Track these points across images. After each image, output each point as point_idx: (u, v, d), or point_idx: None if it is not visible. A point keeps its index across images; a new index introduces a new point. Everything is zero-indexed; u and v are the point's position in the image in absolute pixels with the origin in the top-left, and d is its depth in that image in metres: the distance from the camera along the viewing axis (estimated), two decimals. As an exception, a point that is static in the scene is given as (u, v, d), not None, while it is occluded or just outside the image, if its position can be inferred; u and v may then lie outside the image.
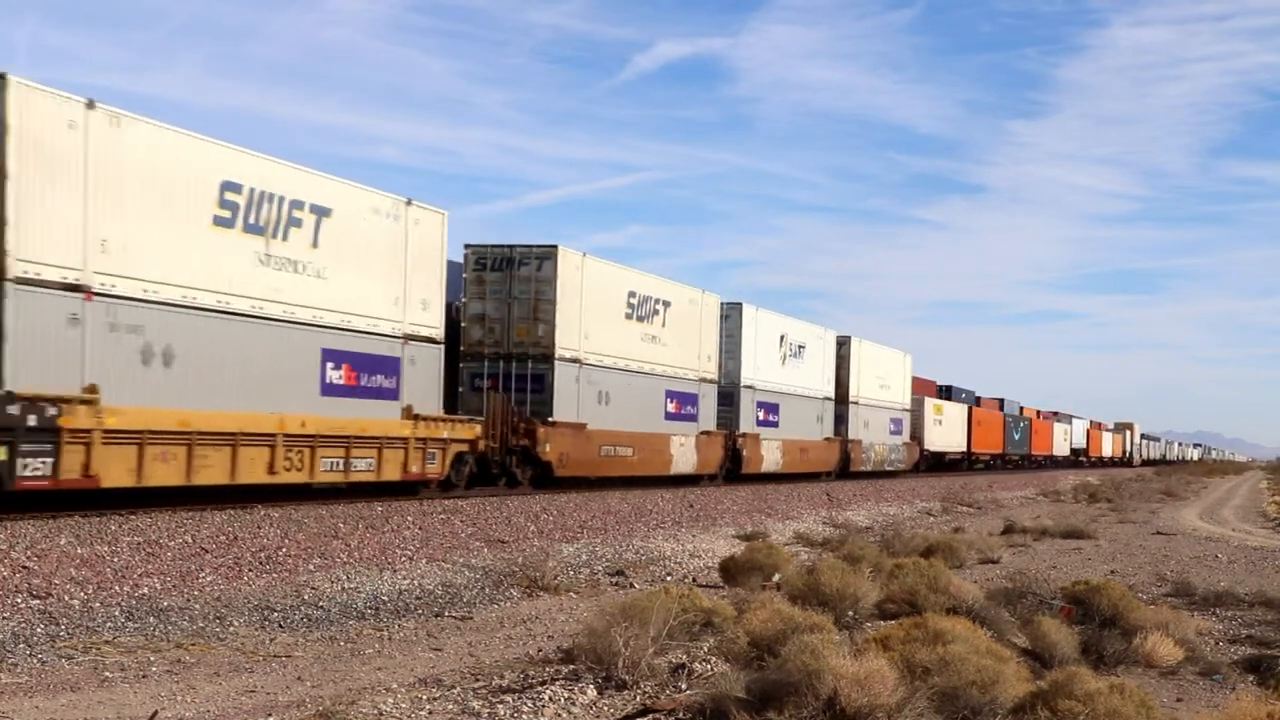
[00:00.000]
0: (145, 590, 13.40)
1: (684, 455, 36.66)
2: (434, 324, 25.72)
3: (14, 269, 16.81)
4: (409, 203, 24.90)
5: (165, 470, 19.20)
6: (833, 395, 49.71)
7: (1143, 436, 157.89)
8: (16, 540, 14.80)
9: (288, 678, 10.43)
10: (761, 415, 42.48)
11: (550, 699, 8.76)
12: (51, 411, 17.42)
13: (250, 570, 15.03)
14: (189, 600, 13.33)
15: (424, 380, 25.39)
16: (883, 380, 55.24)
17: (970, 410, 70.94)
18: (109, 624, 12.10)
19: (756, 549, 17.28)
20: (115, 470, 18.41)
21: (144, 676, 10.30)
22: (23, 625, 11.65)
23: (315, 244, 22.28)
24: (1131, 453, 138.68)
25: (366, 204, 23.82)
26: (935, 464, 64.19)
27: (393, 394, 24.48)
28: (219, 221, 20.22)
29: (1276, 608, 15.10)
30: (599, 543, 20.85)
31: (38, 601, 12.38)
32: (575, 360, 30.63)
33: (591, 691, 8.98)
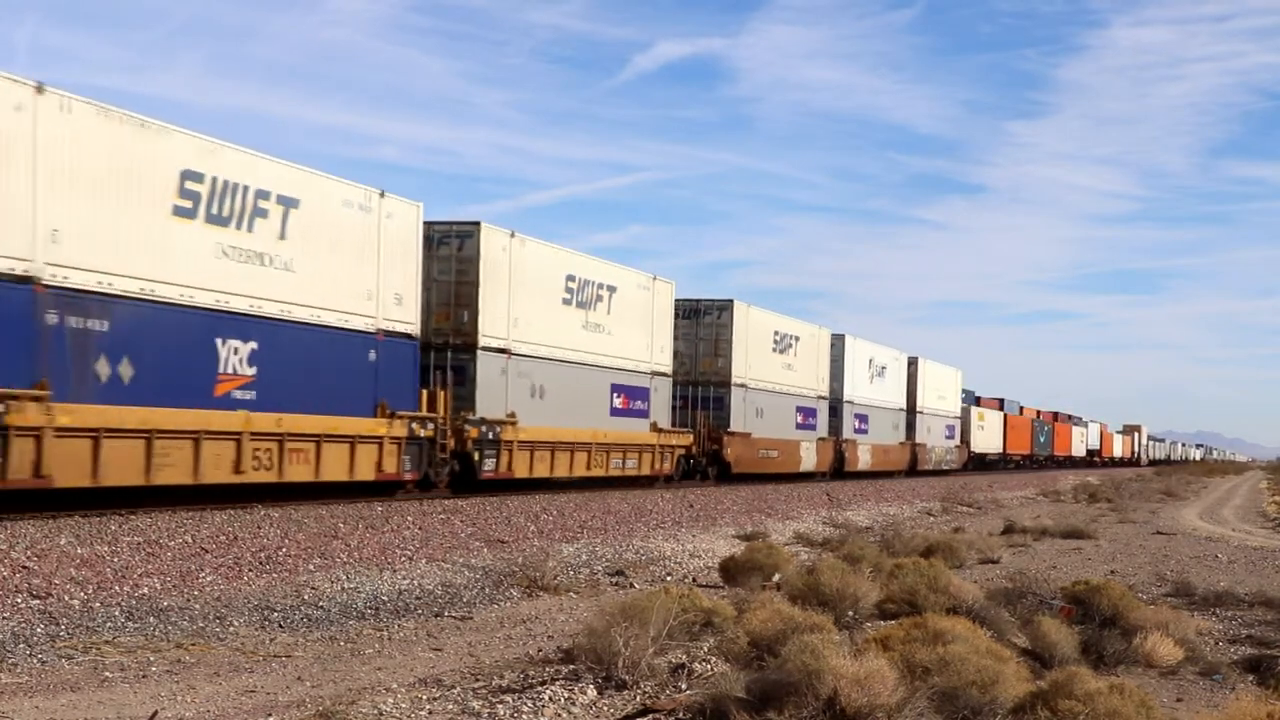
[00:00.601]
0: (145, 590, 13.40)
1: (809, 457, 47.43)
2: (668, 363, 36.36)
3: (481, 341, 27.42)
4: (655, 278, 35.72)
5: (541, 466, 29.72)
6: (905, 406, 59.90)
7: (1149, 438, 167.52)
8: (16, 540, 14.80)
9: (288, 678, 10.43)
10: (857, 424, 53.05)
11: (550, 699, 8.76)
12: (497, 429, 27.75)
13: (250, 570, 15.03)
14: (189, 600, 13.33)
15: (662, 403, 36.33)
16: (940, 393, 65.93)
17: (1005, 417, 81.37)
18: (109, 624, 12.10)
19: (756, 549, 17.27)
20: (519, 467, 28.64)
21: (144, 676, 10.30)
22: (23, 625, 11.64)
23: (609, 311, 32.85)
24: (1139, 453, 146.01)
25: (635, 281, 34.60)
26: (979, 463, 73.56)
27: (645, 414, 35.22)
28: (565, 301, 30.83)
29: (1276, 608, 15.09)
30: (599, 543, 20.85)
31: (38, 601, 12.38)
32: (743, 385, 41.44)
33: (591, 691, 8.98)
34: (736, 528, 25.48)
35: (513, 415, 28.29)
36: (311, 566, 15.71)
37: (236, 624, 12.78)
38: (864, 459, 53.29)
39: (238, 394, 20.50)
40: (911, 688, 7.77)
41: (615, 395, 33.27)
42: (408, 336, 25.00)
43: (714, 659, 9.97)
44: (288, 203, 21.67)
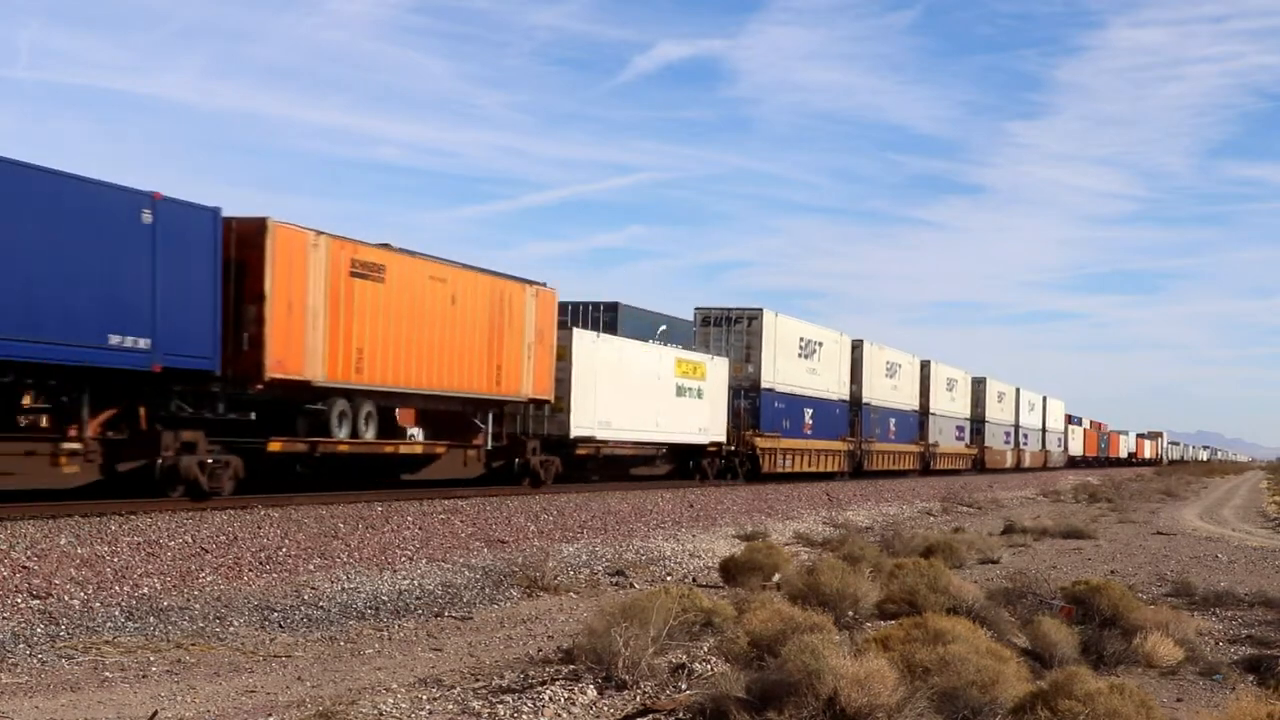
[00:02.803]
0: (145, 590, 13.40)
1: (1009, 459, 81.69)
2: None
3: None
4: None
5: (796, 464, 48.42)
6: (1040, 427, 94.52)
7: (1169, 442, 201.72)
8: (16, 540, 14.80)
9: (288, 678, 10.42)
10: (1023, 439, 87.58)
11: (550, 699, 8.76)
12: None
13: (250, 570, 15.02)
14: (189, 600, 13.33)
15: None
16: (1055, 417, 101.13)
17: (1084, 432, 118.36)
18: (109, 624, 12.09)
19: (756, 549, 17.27)
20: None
21: (144, 676, 10.29)
22: (23, 625, 11.64)
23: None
24: (1162, 455, 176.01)
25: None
26: (1071, 462, 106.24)
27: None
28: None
29: (1276, 608, 15.09)
30: (599, 543, 20.84)
31: (38, 601, 12.38)
32: (993, 423, 77.26)
33: (591, 691, 8.98)
34: (736, 528, 25.47)
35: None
36: (311, 566, 15.71)
37: (236, 624, 12.78)
38: (1027, 460, 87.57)
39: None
40: (911, 688, 7.77)
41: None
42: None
43: (714, 659, 9.97)
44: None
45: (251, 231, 20.81)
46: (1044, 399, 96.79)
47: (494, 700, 8.82)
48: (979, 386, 74.18)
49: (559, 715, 8.48)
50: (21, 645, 11.06)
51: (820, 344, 49.15)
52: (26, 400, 18.56)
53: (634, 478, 36.52)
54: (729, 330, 43.72)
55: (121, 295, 18.60)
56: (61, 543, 14.98)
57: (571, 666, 9.68)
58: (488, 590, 16.01)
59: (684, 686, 9.19)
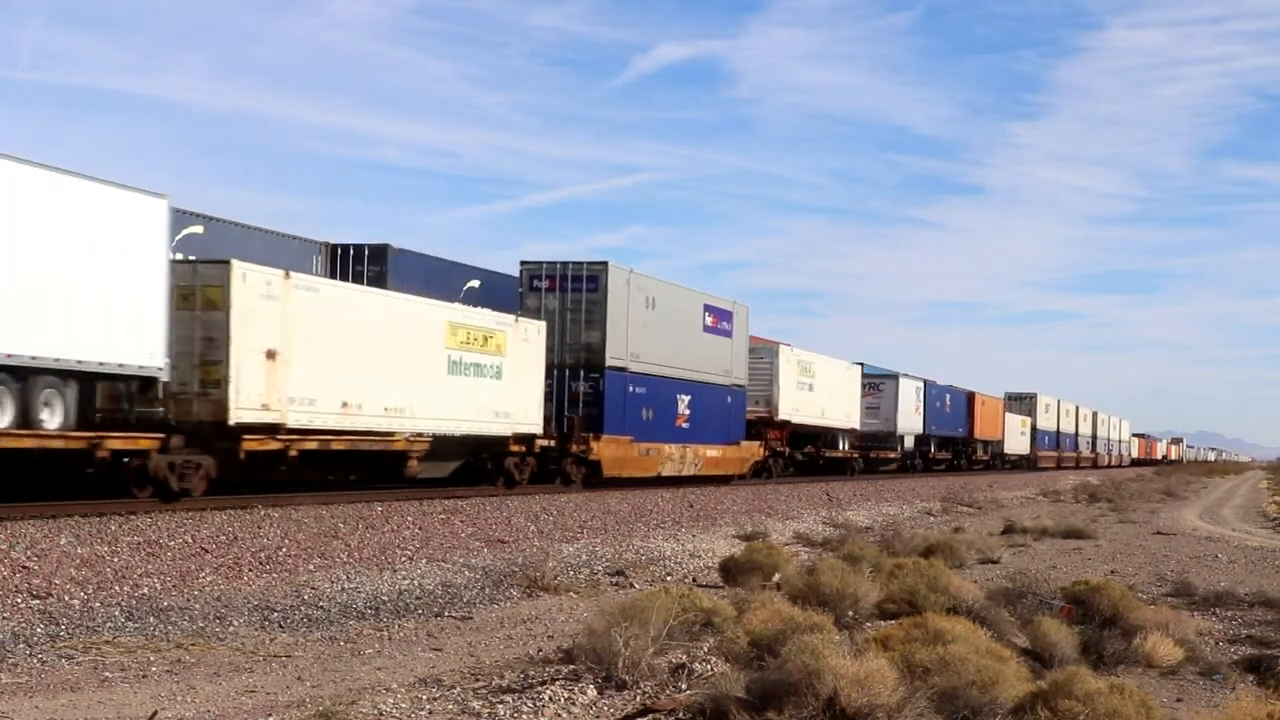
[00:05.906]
0: (145, 590, 13.40)
1: (1115, 460, 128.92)
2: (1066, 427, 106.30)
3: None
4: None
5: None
6: (1117, 439, 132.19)
7: (1187, 445, 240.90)
8: (16, 540, 14.80)
9: (288, 678, 10.42)
10: (1106, 447, 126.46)
11: (550, 699, 8.76)
12: None
13: (250, 570, 15.02)
14: (189, 600, 13.33)
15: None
16: (1126, 432, 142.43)
17: (1138, 441, 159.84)
18: (109, 624, 12.10)
19: (756, 549, 17.26)
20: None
21: (144, 676, 10.29)
22: (23, 625, 11.64)
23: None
24: (1182, 456, 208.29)
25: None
26: (1134, 462, 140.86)
27: (1106, 447, 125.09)
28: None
29: (1276, 608, 15.10)
30: (599, 543, 20.85)
31: (38, 601, 12.39)
32: (1108, 438, 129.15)
33: (591, 691, 8.98)
34: (736, 528, 25.47)
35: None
36: (311, 566, 15.71)
37: (236, 624, 12.78)
38: (1113, 460, 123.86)
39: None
40: (911, 688, 7.77)
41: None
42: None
43: (714, 659, 9.97)
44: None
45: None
46: (1121, 420, 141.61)
47: (494, 700, 8.82)
48: (1096, 417, 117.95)
49: (559, 715, 8.49)
50: (21, 645, 11.06)
51: (1050, 405, 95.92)
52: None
53: (1039, 470, 77.62)
54: (1022, 402, 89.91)
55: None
56: (61, 543, 14.99)
57: (571, 666, 9.68)
58: (488, 590, 16.01)
59: (684, 686, 9.19)
